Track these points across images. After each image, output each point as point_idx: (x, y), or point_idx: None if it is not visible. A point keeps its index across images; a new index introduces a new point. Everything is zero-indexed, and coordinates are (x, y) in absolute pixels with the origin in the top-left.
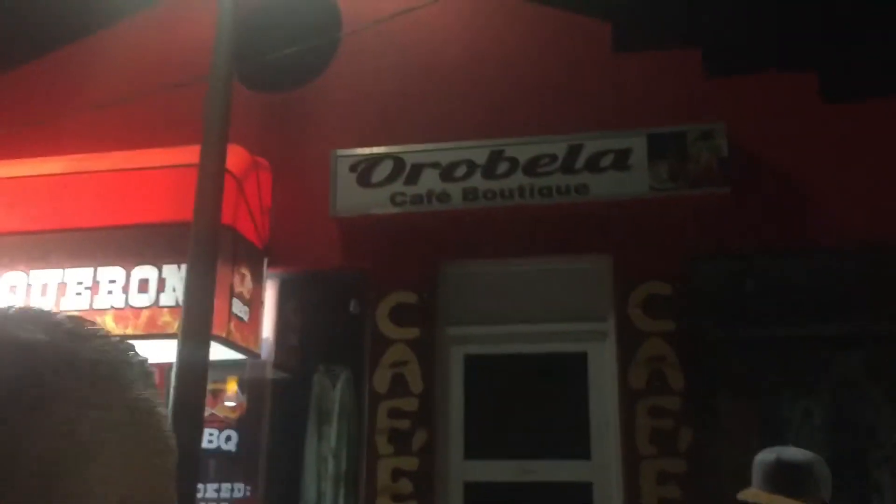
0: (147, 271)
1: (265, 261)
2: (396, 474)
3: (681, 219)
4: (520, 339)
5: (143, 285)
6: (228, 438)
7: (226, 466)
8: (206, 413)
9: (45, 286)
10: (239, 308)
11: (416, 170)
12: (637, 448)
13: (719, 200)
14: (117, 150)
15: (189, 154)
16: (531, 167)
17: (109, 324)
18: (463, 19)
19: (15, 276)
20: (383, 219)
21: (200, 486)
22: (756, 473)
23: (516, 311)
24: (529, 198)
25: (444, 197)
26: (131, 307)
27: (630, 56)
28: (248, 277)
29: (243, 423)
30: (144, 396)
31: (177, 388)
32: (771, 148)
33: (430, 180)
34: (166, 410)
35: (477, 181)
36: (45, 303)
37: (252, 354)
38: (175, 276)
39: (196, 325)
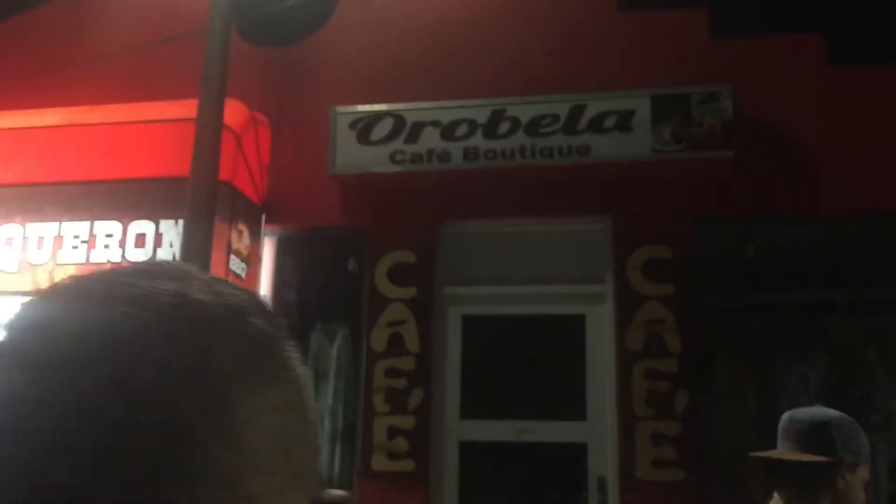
0: (144, 226)
1: (263, 217)
2: (392, 432)
3: (683, 182)
4: (518, 300)
5: (140, 240)
6: None
7: None
8: None
9: (41, 239)
10: (236, 264)
11: (417, 128)
12: (633, 410)
13: (722, 164)
14: (115, 103)
15: (188, 108)
16: (533, 127)
17: None
18: None
19: (11, 229)
20: (383, 177)
21: None
22: (783, 431)
23: (515, 272)
24: (530, 158)
25: (444, 156)
26: (128, 262)
27: (635, 15)
28: (246, 234)
29: None
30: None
31: None
32: (776, 111)
33: (430, 139)
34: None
35: (478, 141)
36: (41, 256)
37: None
38: (172, 232)
39: None
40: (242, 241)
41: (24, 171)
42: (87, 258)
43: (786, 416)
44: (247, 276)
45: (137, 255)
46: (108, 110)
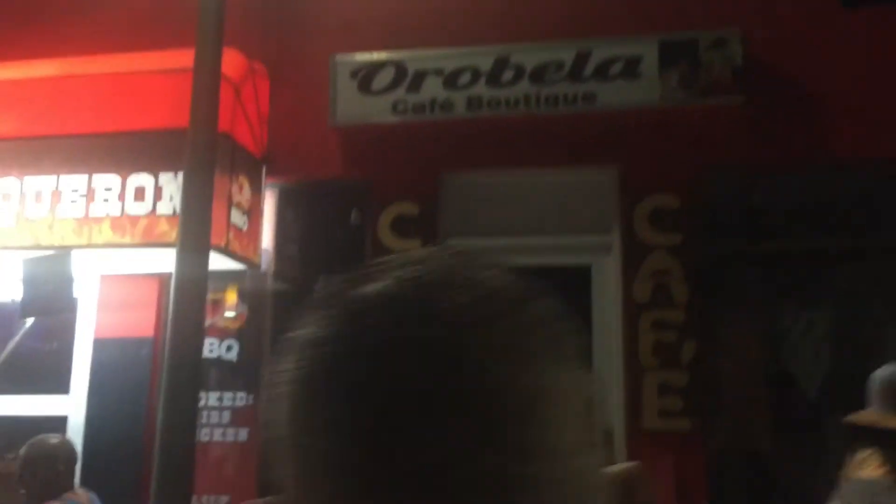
0: (143, 179)
1: (263, 170)
2: None
3: (691, 130)
4: (523, 251)
5: (140, 193)
6: (229, 348)
7: (227, 375)
8: (206, 323)
9: (38, 193)
10: (238, 217)
11: (419, 77)
12: (639, 360)
13: (732, 111)
14: (113, 53)
15: (186, 57)
16: (537, 75)
17: (106, 232)
18: None
19: (8, 183)
20: (384, 127)
21: (202, 394)
22: (872, 391)
23: (520, 223)
24: (535, 106)
25: (447, 105)
26: (128, 215)
27: None
28: (247, 187)
29: (244, 334)
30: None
31: (176, 298)
32: (786, 56)
33: (433, 88)
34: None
35: (481, 89)
36: (39, 210)
37: (251, 265)
38: (172, 185)
39: (195, 234)
40: (243, 195)
41: (19, 123)
42: (87, 212)
43: (887, 372)
44: (248, 229)
45: (137, 209)
46: (104, 60)
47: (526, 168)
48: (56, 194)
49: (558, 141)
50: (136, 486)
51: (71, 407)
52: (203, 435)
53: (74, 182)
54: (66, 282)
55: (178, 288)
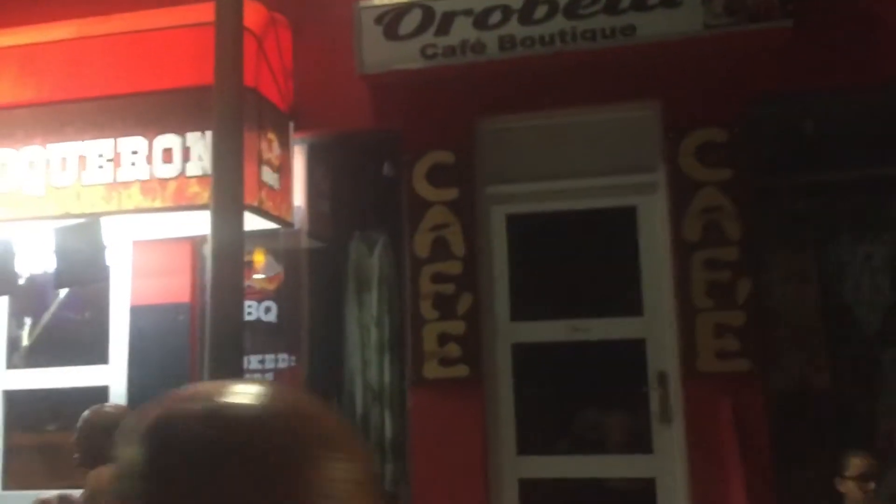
0: (170, 140)
1: (291, 125)
2: (443, 339)
3: (737, 58)
4: (564, 195)
5: (167, 155)
6: (268, 310)
7: (268, 337)
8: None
9: (64, 160)
10: (269, 176)
11: (447, 18)
12: (692, 301)
13: (779, 35)
14: (129, 11)
15: (206, 11)
16: (572, 9)
17: (136, 197)
18: None
19: (33, 151)
20: (414, 74)
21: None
22: None
23: (560, 166)
24: (571, 43)
25: (478, 47)
26: (157, 178)
27: None
28: (276, 143)
29: (282, 294)
30: None
31: (214, 262)
32: None
33: (462, 29)
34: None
35: (514, 28)
36: (66, 177)
37: (285, 223)
38: (200, 144)
39: (228, 194)
40: (273, 151)
41: (39, 90)
42: (115, 177)
43: None
44: (280, 187)
45: (166, 171)
46: (122, 19)
47: (564, 109)
48: (82, 160)
49: (597, 78)
50: None
51: (111, 377)
52: None
53: (100, 147)
54: (98, 250)
55: (215, 251)
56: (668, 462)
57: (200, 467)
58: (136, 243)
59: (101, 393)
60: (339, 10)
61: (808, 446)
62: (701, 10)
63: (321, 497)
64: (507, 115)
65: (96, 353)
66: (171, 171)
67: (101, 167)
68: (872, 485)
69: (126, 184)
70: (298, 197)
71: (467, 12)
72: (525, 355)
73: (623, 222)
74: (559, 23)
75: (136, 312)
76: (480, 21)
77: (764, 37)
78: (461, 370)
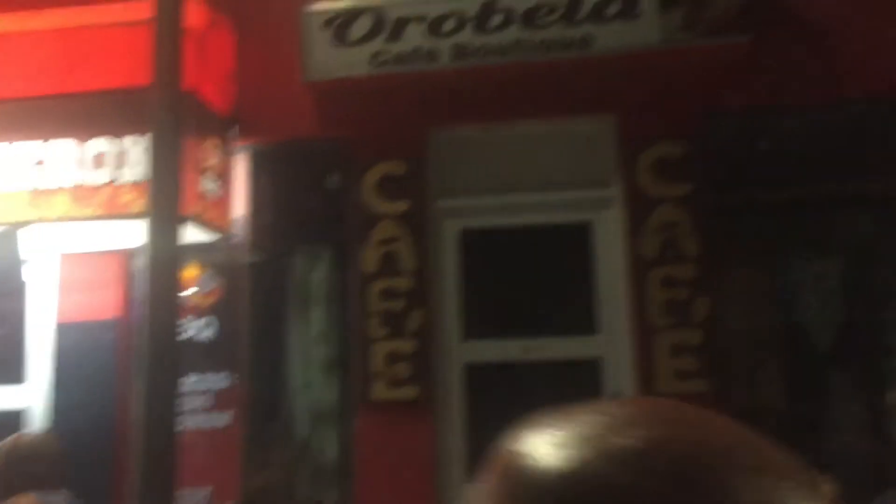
0: (103, 144)
1: (233, 131)
2: (392, 358)
3: (694, 73)
4: (518, 209)
5: (99, 160)
6: (206, 326)
7: (205, 356)
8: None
9: None
10: (209, 184)
11: (400, 25)
12: (650, 320)
13: (737, 51)
14: (61, 6)
15: (143, 9)
16: (528, 18)
17: (64, 204)
18: None
19: None
20: (364, 81)
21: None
22: None
23: (514, 180)
24: (527, 53)
25: (431, 55)
26: (87, 185)
27: None
28: (217, 150)
29: (220, 310)
30: None
31: (150, 275)
32: None
33: (415, 36)
34: None
35: (468, 36)
36: None
37: (225, 235)
38: (135, 149)
39: (164, 203)
40: (213, 159)
41: None
42: (42, 183)
43: None
44: (220, 196)
45: (97, 178)
46: (51, 15)
47: (519, 120)
48: (6, 164)
49: (553, 90)
50: (108, 477)
51: (28, 398)
52: (182, 422)
53: (27, 150)
54: (14, 262)
55: (150, 263)
56: None
57: None
58: (64, 256)
59: (16, 417)
60: (285, 13)
61: None
62: (659, 24)
63: None
64: (461, 126)
65: (12, 372)
66: (102, 177)
67: (26, 172)
68: None
69: (53, 190)
70: (240, 207)
71: (420, 19)
72: (477, 376)
73: (578, 238)
74: (515, 32)
75: (62, 330)
76: (434, 28)
77: (721, 52)
78: (410, 391)
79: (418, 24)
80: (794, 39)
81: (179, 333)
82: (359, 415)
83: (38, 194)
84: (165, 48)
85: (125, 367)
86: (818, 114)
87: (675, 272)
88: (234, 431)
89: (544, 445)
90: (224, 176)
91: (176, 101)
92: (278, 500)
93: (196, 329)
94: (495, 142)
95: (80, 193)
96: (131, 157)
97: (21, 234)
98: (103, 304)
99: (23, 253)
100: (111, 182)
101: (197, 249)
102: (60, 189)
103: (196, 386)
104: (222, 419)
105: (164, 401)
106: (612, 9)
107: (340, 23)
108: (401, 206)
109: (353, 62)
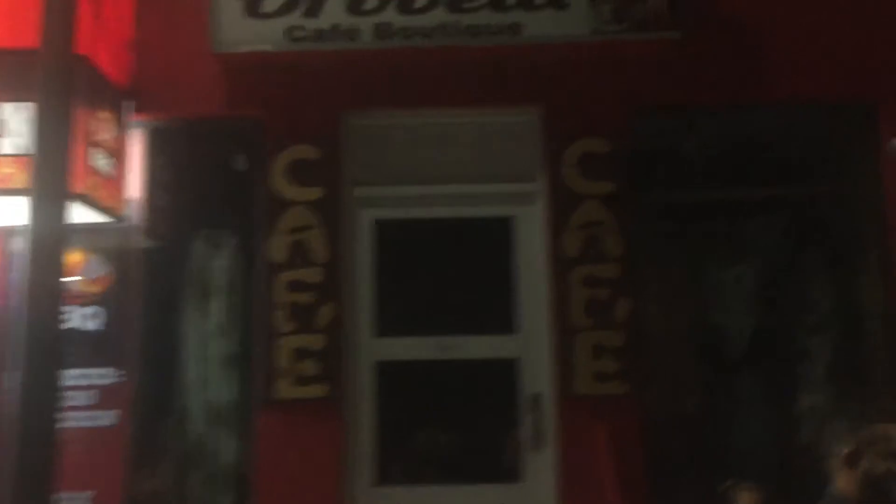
0: None
1: (129, 105)
2: (299, 354)
3: (624, 68)
4: (438, 201)
5: None
6: (92, 316)
7: (90, 348)
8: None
9: None
10: (100, 160)
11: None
12: (571, 320)
13: (667, 47)
14: None
15: None
16: (455, 2)
17: None
18: None
19: None
20: (278, 57)
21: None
22: None
23: (434, 170)
24: (453, 37)
25: (351, 33)
26: None
27: None
28: (110, 123)
29: (109, 299)
30: None
31: (32, 258)
32: None
33: (334, 13)
34: None
35: (391, 16)
36: None
37: (117, 217)
38: (17, 118)
39: (51, 178)
40: (106, 133)
41: None
42: None
43: None
44: (113, 175)
45: None
46: None
47: (441, 107)
48: None
49: (478, 78)
50: None
51: None
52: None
53: None
54: None
55: (32, 245)
56: (538, 490)
57: None
58: None
59: None
60: None
61: (682, 473)
62: (589, 15)
63: None
64: (380, 111)
65: None
66: None
67: None
68: None
69: None
70: (134, 188)
71: None
72: (389, 374)
73: (499, 233)
74: (441, 15)
75: None
76: (355, 6)
77: (651, 47)
78: (319, 390)
79: (338, 0)
80: (723, 39)
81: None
82: (260, 414)
83: None
84: (55, 7)
85: (0, 359)
86: (745, 115)
87: (597, 271)
88: (120, 431)
89: None
90: (118, 153)
91: (67, 66)
92: None
93: (80, 319)
94: (415, 129)
95: None
96: (13, 126)
97: None
98: None
99: None
100: None
101: (85, 231)
102: None
103: (79, 381)
104: (107, 418)
105: (43, 396)
106: None
107: None
108: (312, 192)
109: (266, 35)
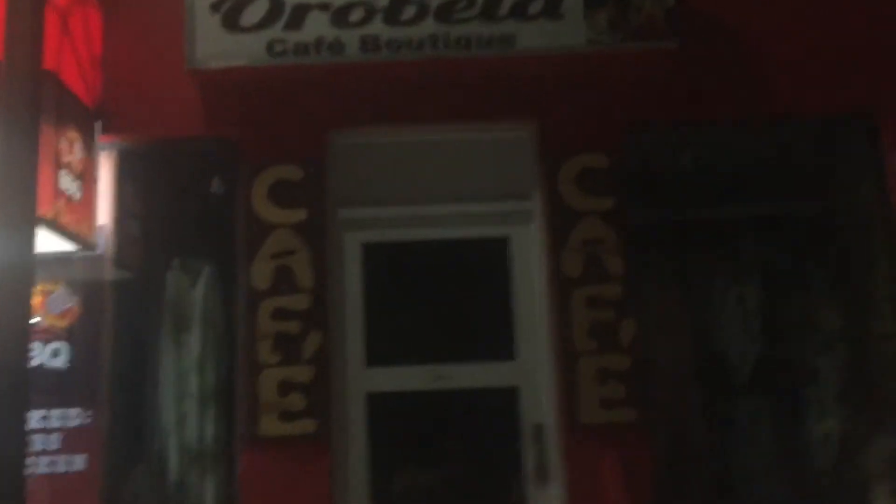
0: None
1: (98, 125)
2: (285, 388)
3: (620, 80)
4: (428, 222)
5: None
6: (56, 353)
7: (55, 388)
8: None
9: None
10: (68, 183)
11: (300, 11)
12: (573, 344)
13: (665, 58)
14: None
15: None
16: (445, 12)
17: None
18: None
19: None
20: (258, 73)
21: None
22: None
23: (424, 190)
24: (443, 49)
25: (336, 46)
26: None
27: None
28: (78, 144)
29: (76, 334)
30: None
31: None
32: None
33: (318, 25)
34: None
35: (378, 28)
36: None
37: (86, 245)
38: None
39: (16, 202)
40: (73, 154)
41: None
42: None
43: None
44: (81, 199)
45: None
46: None
47: (431, 123)
48: None
49: (470, 91)
50: None
51: None
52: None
53: None
54: None
55: None
56: None
57: None
58: None
59: None
60: None
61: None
62: (584, 25)
63: None
64: (367, 128)
65: None
66: None
67: None
68: None
69: None
70: (104, 214)
71: (323, 7)
72: (380, 407)
73: (494, 254)
74: (430, 26)
75: None
76: (339, 18)
77: (648, 57)
78: (306, 426)
79: (321, 12)
80: (722, 51)
81: (29, 362)
82: (243, 454)
83: None
84: (22, 18)
85: None
86: (749, 128)
87: (599, 292)
88: (90, 477)
89: None
90: (87, 176)
91: (34, 81)
92: None
93: (45, 356)
94: (404, 147)
95: None
96: None
97: None
98: None
99: None
100: None
101: (50, 261)
102: None
103: (43, 423)
104: (75, 463)
105: (9, 441)
106: (535, 7)
107: (232, 5)
108: (297, 215)
109: (244, 50)
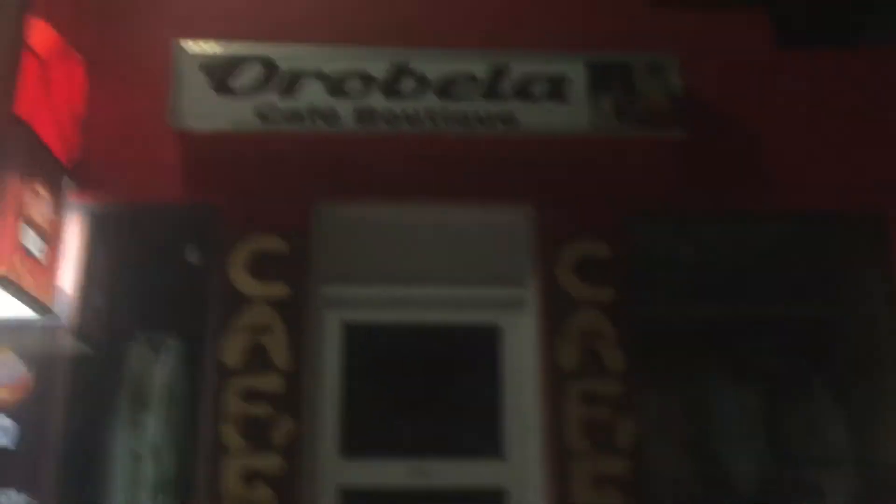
0: None
1: (70, 184)
2: (250, 478)
3: (624, 167)
4: (415, 305)
5: None
6: (2, 429)
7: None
8: None
9: None
10: (32, 241)
11: (294, 78)
12: (567, 443)
13: (670, 147)
14: None
15: None
16: (445, 87)
17: None
18: None
19: None
20: (246, 138)
21: None
22: None
23: (412, 270)
24: (441, 125)
25: (330, 116)
26: None
27: None
28: (47, 201)
29: (24, 410)
30: None
31: None
32: (719, 93)
33: (313, 93)
34: None
35: (375, 99)
36: None
37: (44, 311)
38: None
39: None
40: (40, 211)
41: None
42: None
43: None
44: (45, 260)
45: None
46: None
47: (423, 201)
48: None
49: (466, 171)
50: None
51: None
52: None
53: None
54: None
55: None
56: None
57: None
58: None
59: None
60: (148, 50)
61: None
62: (588, 109)
63: None
64: (355, 202)
65: None
66: None
67: None
68: None
69: None
70: (67, 279)
71: (319, 75)
72: (356, 503)
73: (485, 342)
74: (429, 100)
75: None
76: (335, 87)
77: (652, 145)
78: None
79: (317, 81)
80: (728, 145)
81: None
82: None
83: None
84: None
85: None
86: (750, 224)
87: (596, 387)
88: None
89: None
90: (52, 237)
91: (3, 124)
92: None
93: None
94: (394, 224)
95: None
96: None
97: None
98: None
99: None
100: None
101: (2, 326)
102: None
103: None
104: None
105: None
106: (539, 88)
107: (222, 67)
108: (276, 289)
109: (233, 114)
